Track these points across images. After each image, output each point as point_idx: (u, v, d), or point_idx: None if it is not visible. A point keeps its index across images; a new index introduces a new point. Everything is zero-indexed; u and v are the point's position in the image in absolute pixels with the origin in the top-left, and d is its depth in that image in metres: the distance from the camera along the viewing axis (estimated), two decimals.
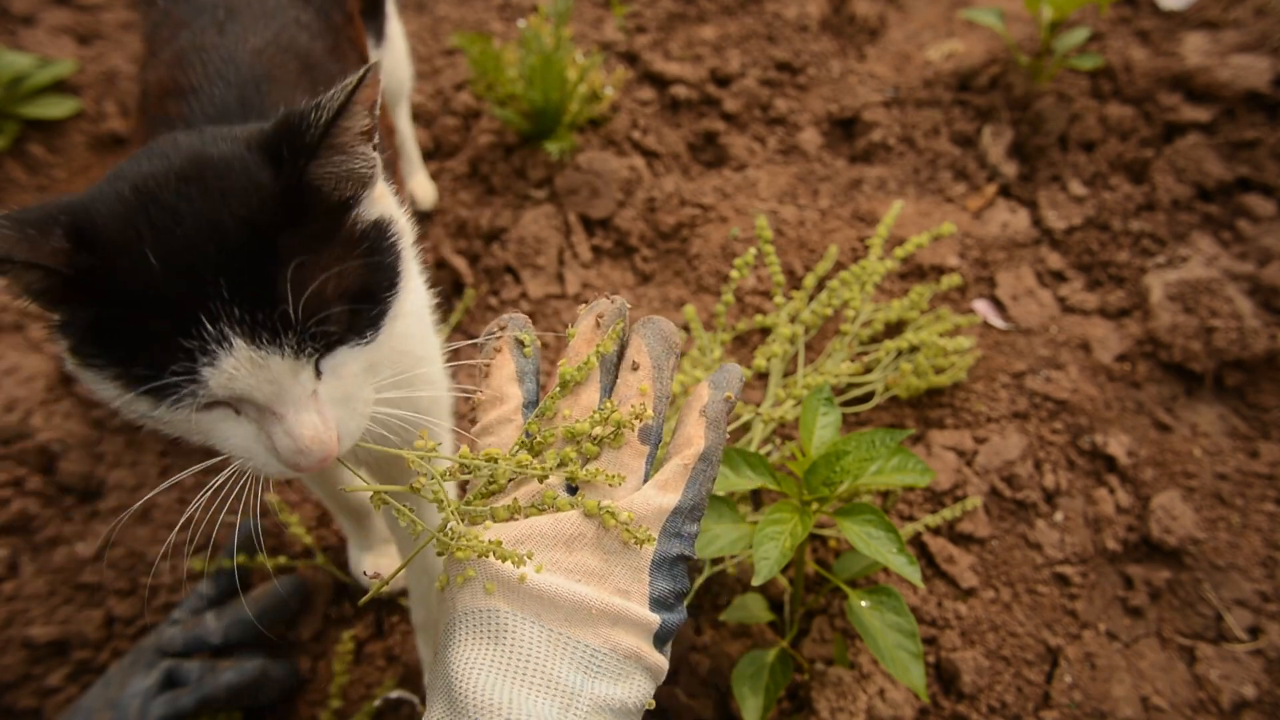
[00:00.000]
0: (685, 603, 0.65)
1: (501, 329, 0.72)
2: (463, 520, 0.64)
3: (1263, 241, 1.54)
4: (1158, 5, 1.90)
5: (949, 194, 1.72)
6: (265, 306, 0.58)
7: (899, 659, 0.96)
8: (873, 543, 0.93)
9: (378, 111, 0.63)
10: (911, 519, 1.28)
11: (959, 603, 1.22)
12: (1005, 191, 1.72)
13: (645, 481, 0.66)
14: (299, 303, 0.59)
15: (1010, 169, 1.72)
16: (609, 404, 0.66)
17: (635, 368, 0.69)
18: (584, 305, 0.73)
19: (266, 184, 0.61)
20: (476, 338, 1.56)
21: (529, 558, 0.59)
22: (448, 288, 1.65)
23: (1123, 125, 1.72)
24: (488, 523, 0.63)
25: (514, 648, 0.57)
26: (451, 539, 0.60)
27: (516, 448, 0.65)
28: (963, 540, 1.28)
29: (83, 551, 1.32)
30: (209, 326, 0.57)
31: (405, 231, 0.71)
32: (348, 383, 0.65)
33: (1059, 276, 1.59)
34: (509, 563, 0.58)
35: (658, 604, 0.62)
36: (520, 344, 0.72)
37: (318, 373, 0.63)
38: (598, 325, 0.71)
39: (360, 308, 0.65)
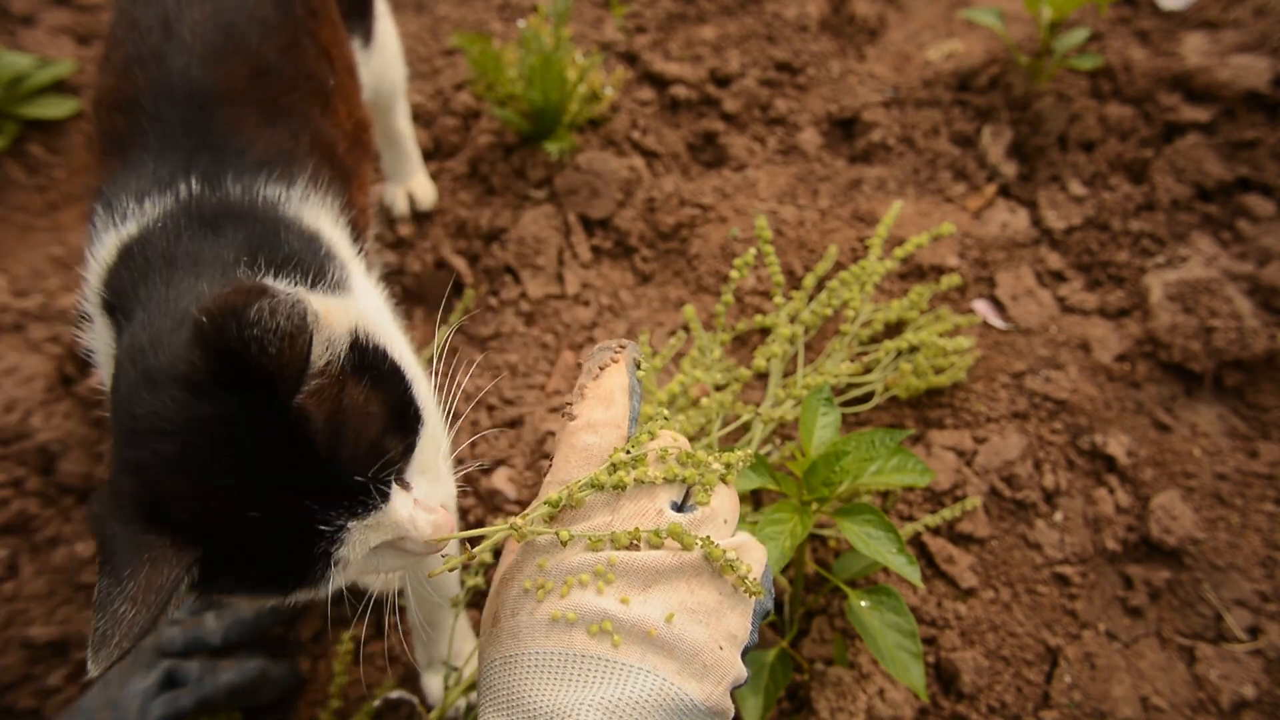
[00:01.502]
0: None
1: (621, 347, 0.74)
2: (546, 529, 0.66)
3: (1262, 241, 1.54)
4: (1157, 5, 1.90)
5: (949, 194, 1.72)
6: (347, 490, 0.64)
7: (899, 659, 0.96)
8: (872, 543, 0.93)
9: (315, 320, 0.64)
10: (911, 519, 1.28)
11: (959, 603, 1.22)
12: (1005, 191, 1.72)
13: None
14: (361, 466, 0.65)
15: (1010, 169, 1.72)
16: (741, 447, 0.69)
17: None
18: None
19: (267, 413, 0.63)
20: (476, 338, 1.56)
21: (667, 618, 0.60)
22: (447, 288, 1.65)
23: (1122, 125, 1.72)
24: (608, 551, 0.63)
25: (625, 693, 0.57)
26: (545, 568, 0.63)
27: (620, 457, 0.65)
28: (962, 540, 1.28)
29: (83, 551, 1.32)
30: (325, 528, 0.64)
31: (377, 320, 0.76)
32: (428, 471, 0.72)
33: (1059, 276, 1.59)
34: (628, 604, 0.59)
35: (742, 654, 0.63)
36: (636, 365, 0.74)
37: (406, 485, 0.69)
38: None
39: (396, 419, 0.70)
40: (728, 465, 0.68)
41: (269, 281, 0.75)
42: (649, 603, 0.60)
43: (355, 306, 0.85)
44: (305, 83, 1.02)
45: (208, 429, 0.63)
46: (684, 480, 0.66)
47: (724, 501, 0.67)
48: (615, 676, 0.57)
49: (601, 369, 0.72)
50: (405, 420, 0.71)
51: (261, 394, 0.62)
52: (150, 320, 0.73)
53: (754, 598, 0.63)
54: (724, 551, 0.62)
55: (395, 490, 0.67)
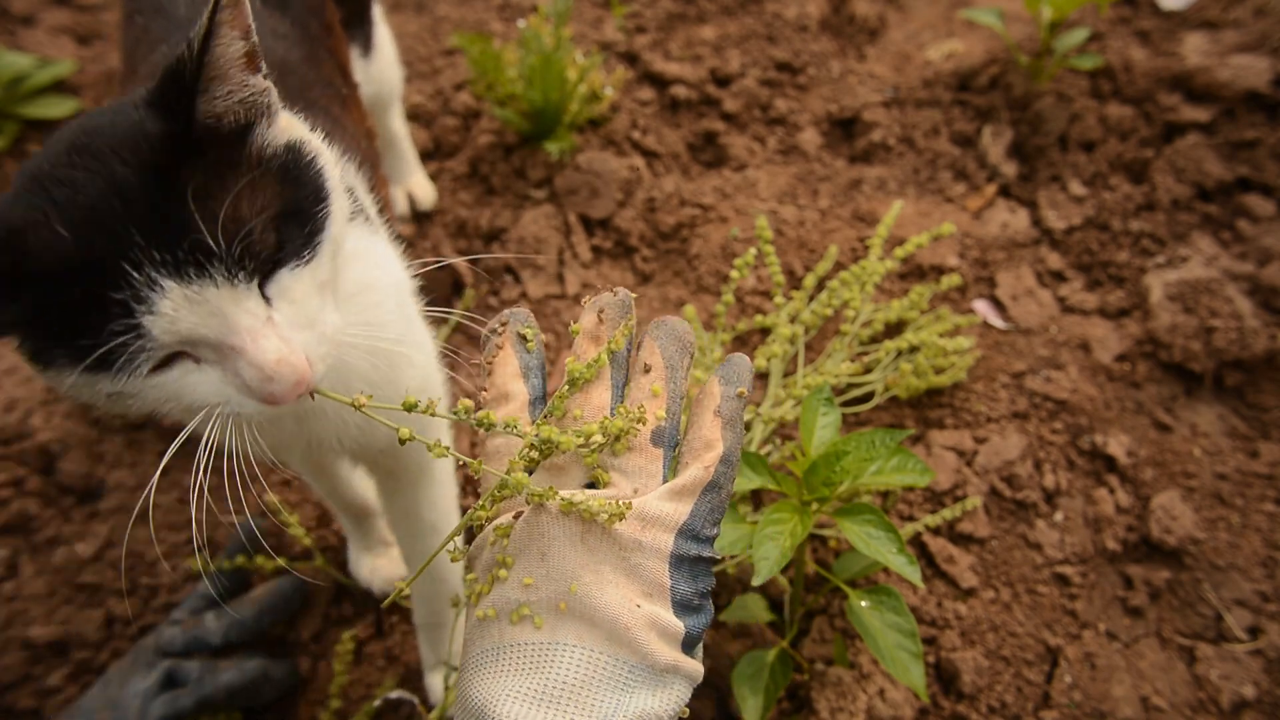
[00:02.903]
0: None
1: (503, 325, 0.70)
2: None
3: (1262, 241, 1.54)
4: (1158, 5, 1.90)
5: (949, 194, 1.72)
6: (181, 239, 0.57)
7: (899, 659, 0.96)
8: (873, 543, 0.93)
9: (254, 37, 0.62)
10: (911, 519, 1.28)
11: (959, 603, 1.22)
12: (1005, 191, 1.72)
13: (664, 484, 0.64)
14: (215, 228, 0.58)
15: (1010, 169, 1.73)
16: (620, 410, 0.63)
17: (647, 370, 0.66)
18: (588, 300, 0.70)
19: (155, 130, 0.60)
20: (476, 338, 1.56)
21: (571, 589, 0.58)
22: (447, 288, 1.65)
23: (1122, 125, 1.72)
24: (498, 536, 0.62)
25: (554, 675, 0.56)
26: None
27: (526, 449, 0.63)
28: (963, 540, 1.28)
29: (83, 551, 1.32)
30: (134, 274, 0.56)
31: (324, 152, 0.70)
32: (302, 306, 0.64)
33: (1059, 276, 1.59)
34: (531, 585, 0.58)
35: (680, 607, 0.60)
36: (523, 339, 0.69)
37: (266, 300, 0.62)
38: (600, 321, 0.68)
39: (288, 227, 0.64)
40: (609, 440, 0.63)
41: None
42: (550, 577, 0.59)
43: (378, 242, 0.89)
44: (326, 86, 1.08)
45: (90, 151, 0.59)
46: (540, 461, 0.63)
47: (633, 474, 0.63)
48: (543, 658, 0.57)
49: (491, 362, 0.69)
50: (295, 231, 0.64)
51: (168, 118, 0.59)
52: None
53: (667, 546, 0.59)
54: (579, 500, 0.58)
55: (244, 284, 0.60)
